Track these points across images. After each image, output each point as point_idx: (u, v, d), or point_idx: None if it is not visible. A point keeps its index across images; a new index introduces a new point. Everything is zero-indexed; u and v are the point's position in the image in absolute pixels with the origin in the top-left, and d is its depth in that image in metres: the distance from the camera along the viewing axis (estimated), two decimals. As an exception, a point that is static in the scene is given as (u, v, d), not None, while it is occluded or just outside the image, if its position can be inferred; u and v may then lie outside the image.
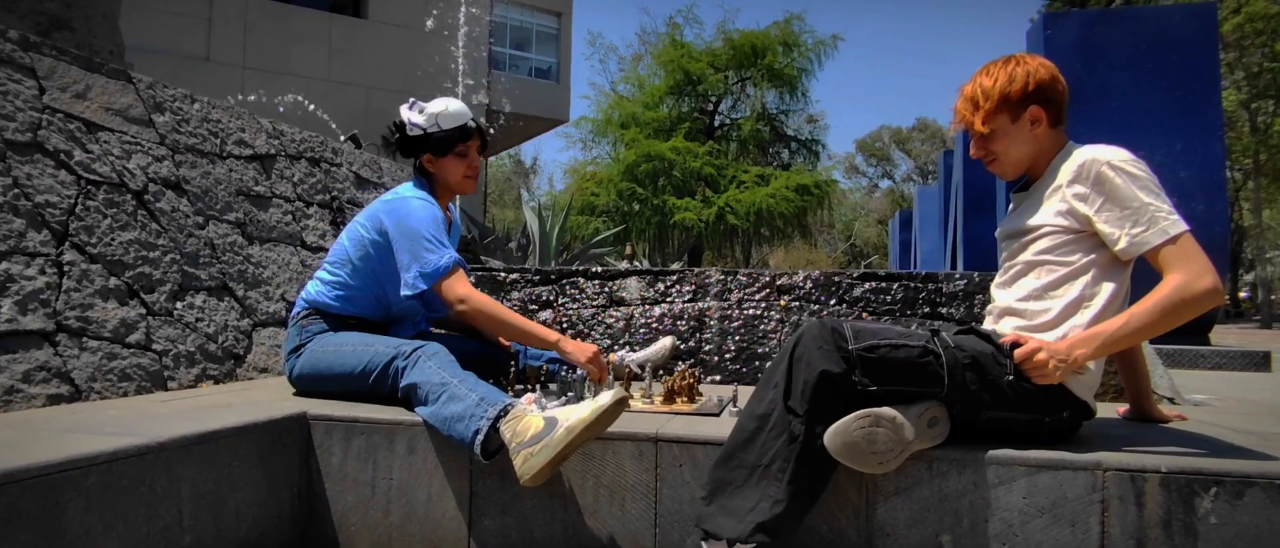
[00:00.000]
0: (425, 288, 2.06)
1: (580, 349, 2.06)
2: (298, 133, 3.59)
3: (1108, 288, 1.66)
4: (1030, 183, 1.81)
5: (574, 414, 1.62)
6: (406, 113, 2.24)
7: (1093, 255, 1.67)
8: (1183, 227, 1.60)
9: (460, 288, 2.06)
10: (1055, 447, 1.63)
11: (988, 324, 1.83)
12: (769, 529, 1.47)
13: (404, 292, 2.10)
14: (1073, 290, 1.67)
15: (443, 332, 2.49)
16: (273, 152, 3.33)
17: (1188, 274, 1.56)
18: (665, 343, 2.54)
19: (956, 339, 1.63)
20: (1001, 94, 1.74)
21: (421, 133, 2.22)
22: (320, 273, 2.26)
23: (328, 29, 14.80)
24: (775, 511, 1.47)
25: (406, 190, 2.22)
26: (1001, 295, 1.81)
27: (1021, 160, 1.78)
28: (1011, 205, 1.90)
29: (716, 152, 20.78)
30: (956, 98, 1.85)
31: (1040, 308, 1.69)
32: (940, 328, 1.68)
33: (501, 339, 2.44)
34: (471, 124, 2.26)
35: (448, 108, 2.23)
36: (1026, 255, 1.74)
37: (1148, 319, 1.57)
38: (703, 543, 1.52)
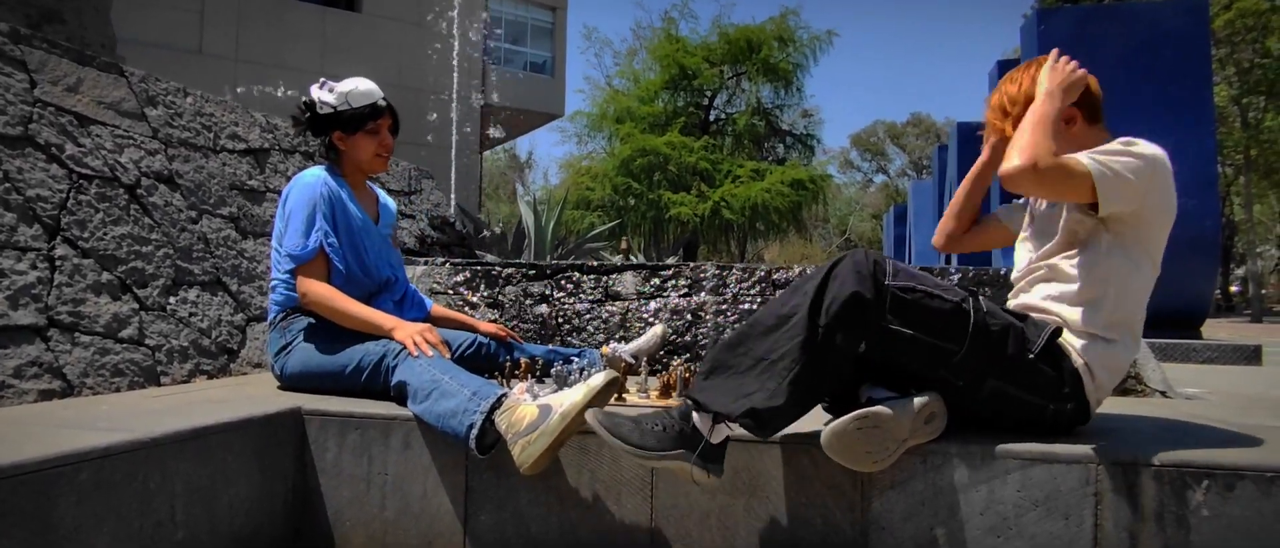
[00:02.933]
0: (293, 267, 2.13)
1: (406, 332, 2.00)
2: (292, 126, 3.58)
3: (1138, 268, 1.67)
4: None
5: (567, 399, 1.62)
6: (316, 91, 2.27)
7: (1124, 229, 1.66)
8: (1095, 169, 1.58)
9: (304, 283, 2.12)
10: (1050, 440, 1.64)
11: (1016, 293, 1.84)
12: (759, 418, 1.47)
13: (279, 268, 2.19)
14: (1108, 272, 1.66)
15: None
16: (267, 146, 3.31)
17: (1054, 158, 1.58)
18: (656, 332, 2.54)
19: (990, 305, 1.62)
20: (1028, 98, 1.72)
21: (332, 110, 2.24)
22: (274, 278, 2.25)
23: (321, 23, 14.73)
24: (771, 403, 1.47)
25: (303, 173, 2.25)
26: (1027, 258, 1.82)
27: None
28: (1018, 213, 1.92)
29: (712, 146, 20.81)
30: (985, 110, 1.86)
31: (1077, 282, 1.69)
32: (980, 292, 1.67)
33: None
34: (382, 103, 2.30)
35: (358, 87, 2.27)
36: (1059, 224, 1.74)
37: (1035, 119, 1.63)
38: (693, 414, 1.52)
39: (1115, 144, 1.65)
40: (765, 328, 1.55)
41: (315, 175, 2.21)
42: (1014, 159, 1.58)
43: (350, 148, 2.29)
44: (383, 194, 2.50)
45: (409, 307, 2.38)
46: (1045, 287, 1.74)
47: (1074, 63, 1.72)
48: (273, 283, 2.25)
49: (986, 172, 1.99)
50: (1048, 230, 1.77)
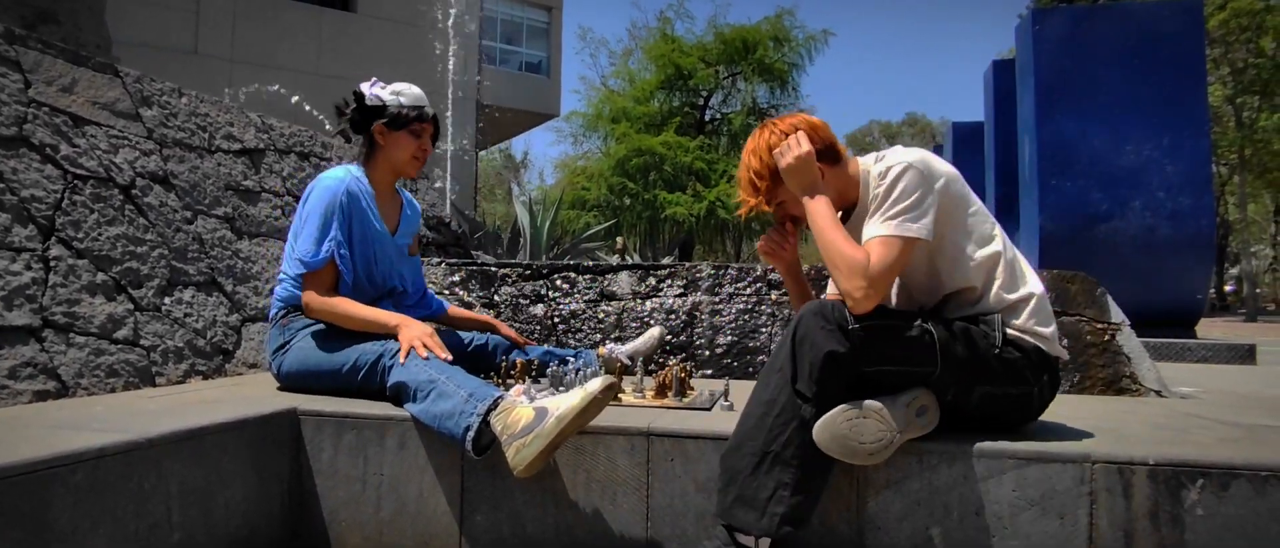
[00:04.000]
0: (302, 272, 2.11)
1: (409, 332, 1.96)
2: (287, 127, 3.57)
3: (987, 227, 1.71)
4: (849, 214, 1.82)
5: (564, 403, 1.62)
6: (367, 87, 2.27)
7: (953, 220, 1.69)
8: (898, 231, 1.61)
9: (308, 293, 2.11)
10: (1041, 431, 1.65)
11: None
12: (792, 520, 1.49)
13: (287, 270, 2.17)
14: (969, 249, 1.69)
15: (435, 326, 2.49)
16: (262, 146, 3.31)
17: (870, 262, 1.59)
18: (654, 334, 2.54)
19: (945, 320, 1.66)
20: (771, 168, 1.77)
21: (380, 104, 2.24)
22: (281, 273, 2.25)
23: (317, 23, 14.71)
24: (796, 500, 1.49)
25: (329, 171, 2.24)
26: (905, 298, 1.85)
27: None
28: None
29: (707, 146, 20.81)
30: (736, 188, 1.88)
31: (966, 285, 1.71)
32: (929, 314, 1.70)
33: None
34: (430, 111, 2.31)
35: (410, 89, 2.29)
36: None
37: (827, 238, 1.64)
38: (736, 536, 1.52)
39: (878, 181, 1.67)
40: (756, 420, 1.56)
41: (339, 178, 2.18)
42: (853, 296, 1.59)
43: (390, 144, 2.26)
44: (409, 197, 2.47)
45: (417, 314, 2.39)
46: (957, 302, 1.76)
47: (796, 144, 1.72)
48: (280, 276, 2.24)
49: (793, 264, 2.01)
50: (905, 275, 1.81)
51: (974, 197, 1.75)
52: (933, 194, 1.64)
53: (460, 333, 2.42)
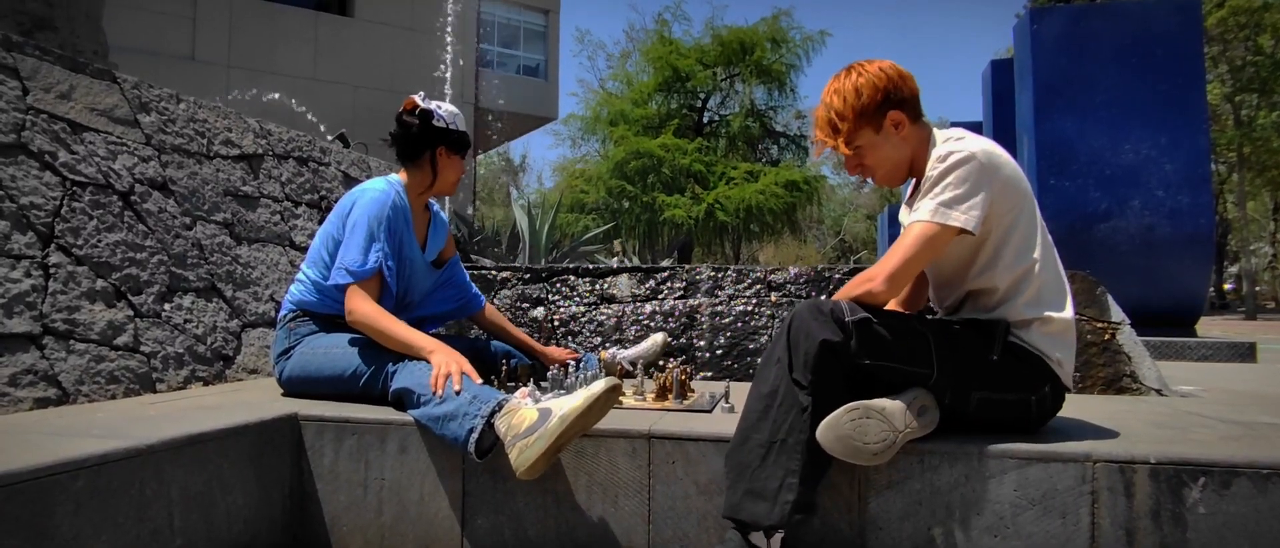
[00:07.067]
0: (348, 283, 2.03)
1: (442, 358, 1.86)
2: (285, 132, 3.57)
3: (1033, 237, 1.70)
4: (918, 182, 1.81)
5: (568, 403, 1.62)
6: (431, 105, 2.22)
7: (1000, 222, 1.69)
8: (941, 217, 1.63)
9: (357, 299, 2.02)
10: (1043, 431, 1.66)
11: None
12: (802, 507, 1.49)
13: (330, 279, 2.09)
14: (1006, 254, 1.69)
15: (437, 330, 2.49)
16: (260, 151, 3.31)
17: (898, 248, 1.65)
18: (656, 340, 2.54)
19: (942, 323, 1.67)
20: (856, 110, 1.74)
21: (444, 126, 2.22)
22: (300, 275, 2.24)
23: (314, 27, 14.72)
24: (804, 486, 1.49)
25: (371, 183, 2.21)
26: (938, 289, 1.85)
27: (901, 163, 1.79)
28: (905, 209, 1.91)
29: (705, 148, 20.81)
30: (813, 126, 1.86)
31: (989, 286, 1.72)
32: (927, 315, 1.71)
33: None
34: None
35: (456, 111, 2.27)
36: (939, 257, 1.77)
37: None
38: (748, 536, 1.50)
39: (935, 163, 1.68)
40: (759, 413, 1.56)
41: (384, 191, 2.15)
42: (873, 279, 1.65)
43: (446, 167, 2.25)
44: (438, 209, 2.44)
45: (430, 328, 2.43)
46: (972, 303, 1.77)
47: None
48: (298, 278, 2.23)
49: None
50: (939, 263, 1.83)
51: (1033, 206, 1.74)
52: (988, 189, 1.63)
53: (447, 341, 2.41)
